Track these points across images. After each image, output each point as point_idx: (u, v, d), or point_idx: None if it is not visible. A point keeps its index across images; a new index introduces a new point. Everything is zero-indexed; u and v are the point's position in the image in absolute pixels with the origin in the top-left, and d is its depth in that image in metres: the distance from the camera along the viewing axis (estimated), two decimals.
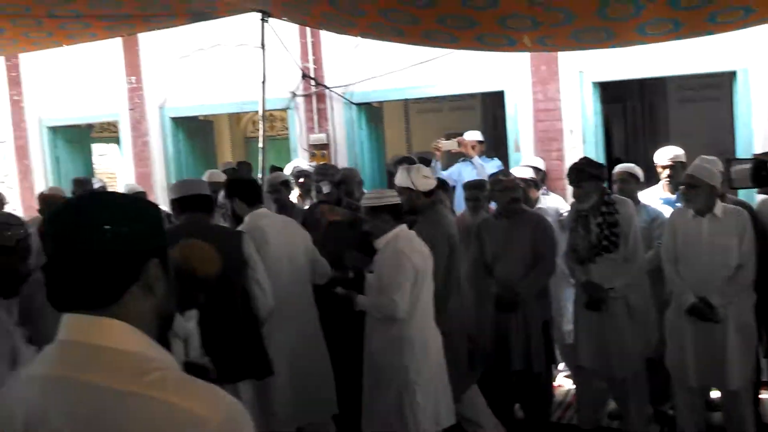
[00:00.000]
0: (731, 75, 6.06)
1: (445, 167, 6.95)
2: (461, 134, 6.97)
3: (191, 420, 1.19)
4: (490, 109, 10.02)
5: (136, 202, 1.36)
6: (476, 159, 6.54)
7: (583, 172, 4.34)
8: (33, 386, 1.27)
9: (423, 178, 4.37)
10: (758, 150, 5.41)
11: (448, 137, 7.18)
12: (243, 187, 4.31)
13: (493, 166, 6.47)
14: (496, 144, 8.27)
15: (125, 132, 8.98)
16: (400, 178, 4.40)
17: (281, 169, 7.93)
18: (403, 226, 3.88)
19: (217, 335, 3.33)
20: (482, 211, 5.22)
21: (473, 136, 6.83)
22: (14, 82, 9.54)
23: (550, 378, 5.05)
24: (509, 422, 4.77)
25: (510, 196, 4.63)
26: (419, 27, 4.63)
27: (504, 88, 6.86)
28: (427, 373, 3.77)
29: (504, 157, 7.03)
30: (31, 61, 9.25)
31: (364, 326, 4.00)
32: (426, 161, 6.03)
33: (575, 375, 4.92)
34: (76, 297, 1.29)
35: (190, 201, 3.73)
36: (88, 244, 1.26)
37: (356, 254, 4.42)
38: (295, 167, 6.71)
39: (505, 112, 7.01)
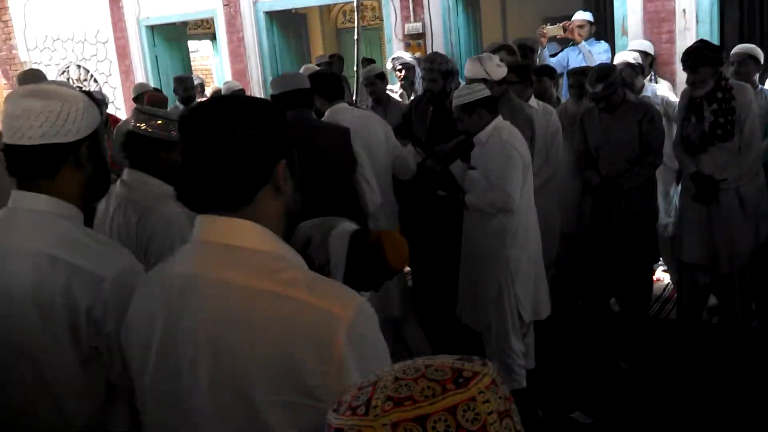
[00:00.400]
0: None
1: (552, 54, 6.65)
2: (564, 18, 6.63)
3: (324, 317, 1.21)
4: None
5: (263, 105, 1.36)
6: (583, 44, 6.21)
7: (699, 56, 4.04)
8: (172, 284, 1.34)
9: (496, 67, 4.25)
10: None
11: (550, 22, 6.85)
12: (322, 81, 4.14)
13: (600, 49, 6.15)
14: (599, 27, 7.85)
15: (221, 28, 9.02)
16: (473, 70, 4.25)
17: (374, 62, 7.84)
18: (499, 118, 3.77)
19: None
20: (585, 99, 5.01)
21: (582, 16, 6.42)
22: None
23: (651, 272, 4.90)
24: (605, 316, 4.73)
25: (602, 105, 4.37)
26: None
27: None
28: (526, 264, 3.78)
29: (610, 41, 6.66)
30: None
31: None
32: (526, 48, 5.79)
33: (677, 269, 4.76)
34: (209, 199, 1.32)
35: (292, 96, 3.65)
36: (220, 148, 1.28)
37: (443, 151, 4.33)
38: (396, 58, 6.55)
39: None
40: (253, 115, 1.31)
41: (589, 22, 6.37)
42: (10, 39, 10.84)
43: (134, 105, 6.48)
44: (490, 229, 3.75)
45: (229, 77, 8.92)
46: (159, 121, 2.52)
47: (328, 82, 4.12)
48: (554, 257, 4.73)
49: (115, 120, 6.14)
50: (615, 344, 4.50)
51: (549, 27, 6.39)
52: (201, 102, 1.40)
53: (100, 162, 1.74)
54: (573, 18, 6.41)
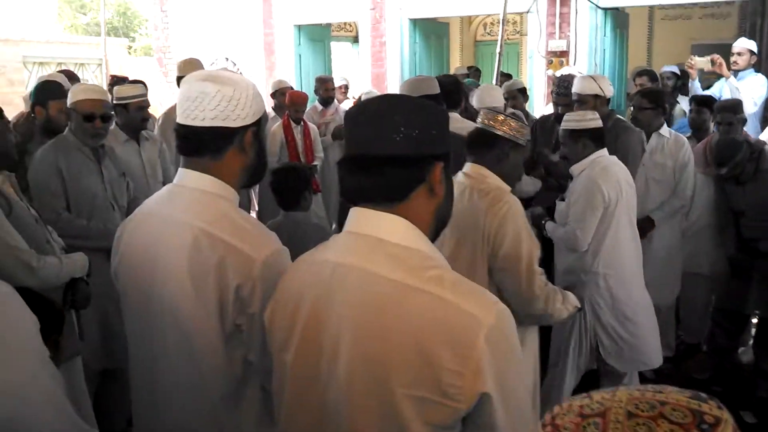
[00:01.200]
0: None
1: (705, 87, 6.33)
2: (715, 46, 6.29)
3: (465, 318, 1.24)
4: (748, 17, 9.02)
5: (426, 107, 1.39)
6: (731, 80, 5.78)
7: None
8: (323, 270, 1.39)
9: (609, 86, 4.21)
10: None
11: (698, 50, 6.53)
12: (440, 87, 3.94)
13: (757, 83, 5.78)
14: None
15: (364, 32, 9.22)
16: (585, 86, 4.21)
17: (511, 76, 7.78)
18: (603, 151, 3.58)
19: None
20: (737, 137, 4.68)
21: (744, 44, 6.00)
22: None
23: None
24: (728, 365, 4.46)
25: (732, 182, 4.11)
26: None
27: None
28: (610, 311, 3.55)
29: (766, 73, 6.27)
30: None
31: None
32: (683, 73, 5.56)
33: None
34: (366, 193, 1.37)
35: None
36: (382, 147, 1.32)
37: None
38: (562, 75, 6.40)
39: None
40: (418, 116, 1.34)
41: (751, 51, 5.95)
42: (167, 29, 11.51)
43: (272, 100, 6.72)
44: (567, 263, 3.63)
45: (368, 80, 9.09)
46: (512, 123, 2.69)
47: (443, 89, 3.92)
48: (676, 295, 4.53)
49: None
50: (741, 396, 4.23)
51: (697, 59, 6.05)
52: (370, 99, 1.44)
53: (260, 149, 1.81)
54: (734, 45, 6.01)
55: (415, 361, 1.24)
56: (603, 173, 3.50)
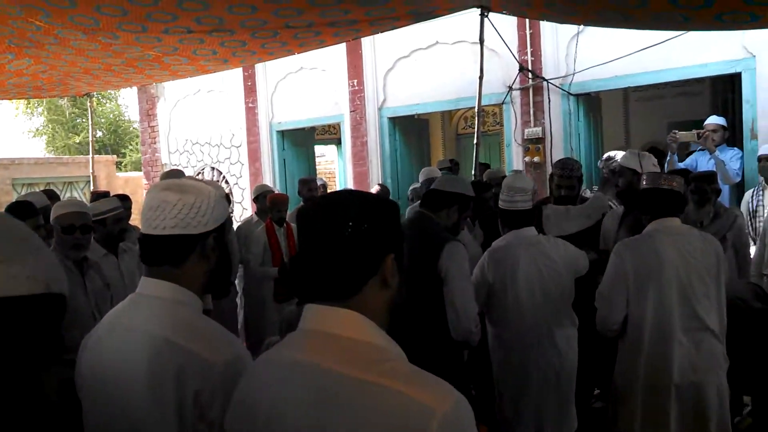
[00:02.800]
0: None
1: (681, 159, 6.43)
2: (691, 123, 6.44)
3: (419, 409, 1.21)
4: (720, 94, 9.26)
5: (376, 201, 1.40)
6: (716, 155, 5.79)
7: None
8: (279, 370, 1.37)
9: (652, 166, 4.37)
10: None
11: (675, 127, 6.66)
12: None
13: (732, 155, 5.91)
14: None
15: (346, 133, 9.42)
16: (630, 160, 4.42)
17: (489, 166, 7.92)
18: (516, 234, 3.67)
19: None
20: (709, 206, 4.67)
21: (715, 121, 6.17)
22: (250, 91, 10.36)
23: None
24: None
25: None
26: (648, 9, 4.39)
27: (741, 70, 6.29)
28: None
29: (738, 145, 6.44)
30: (263, 70, 10.02)
31: None
32: (657, 152, 5.65)
33: None
34: (319, 289, 1.36)
35: (443, 197, 3.60)
36: (332, 240, 1.33)
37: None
38: (564, 158, 6.41)
39: (738, 96, 6.43)
40: (366, 209, 1.36)
41: (723, 126, 6.11)
42: (154, 143, 11.75)
43: (255, 204, 6.75)
44: None
45: (350, 180, 9.22)
46: (677, 179, 3.26)
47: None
48: None
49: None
50: None
51: (681, 133, 6.12)
52: (320, 196, 1.45)
53: (223, 254, 1.81)
54: (706, 122, 6.16)
55: None
56: (495, 251, 3.70)
